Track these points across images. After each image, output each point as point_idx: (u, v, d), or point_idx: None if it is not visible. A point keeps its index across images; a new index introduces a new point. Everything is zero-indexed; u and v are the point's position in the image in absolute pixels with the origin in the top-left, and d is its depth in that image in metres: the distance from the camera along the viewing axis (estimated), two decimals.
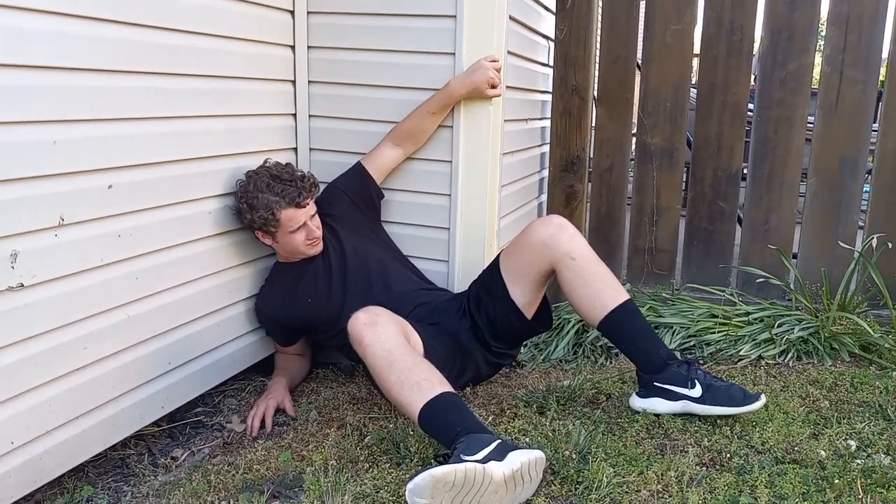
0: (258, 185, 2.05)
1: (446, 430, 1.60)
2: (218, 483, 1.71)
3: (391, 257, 2.31)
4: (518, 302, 2.05)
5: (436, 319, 2.12)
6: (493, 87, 2.18)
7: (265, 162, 2.15)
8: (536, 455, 1.54)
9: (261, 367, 2.46)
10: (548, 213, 3.02)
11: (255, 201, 2.04)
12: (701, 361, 2.38)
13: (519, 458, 1.50)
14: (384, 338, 1.73)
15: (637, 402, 1.94)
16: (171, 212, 1.92)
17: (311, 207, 2.14)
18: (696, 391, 1.86)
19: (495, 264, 2.09)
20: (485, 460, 1.47)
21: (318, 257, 2.22)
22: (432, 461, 1.53)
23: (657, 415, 1.90)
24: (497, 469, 1.46)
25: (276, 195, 2.04)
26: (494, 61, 2.18)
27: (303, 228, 2.12)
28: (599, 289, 1.94)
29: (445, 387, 1.68)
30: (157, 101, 1.83)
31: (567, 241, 1.95)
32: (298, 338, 2.34)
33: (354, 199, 2.30)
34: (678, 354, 2.03)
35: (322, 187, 2.31)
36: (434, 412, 1.63)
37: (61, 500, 1.73)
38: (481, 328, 2.10)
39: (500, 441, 1.53)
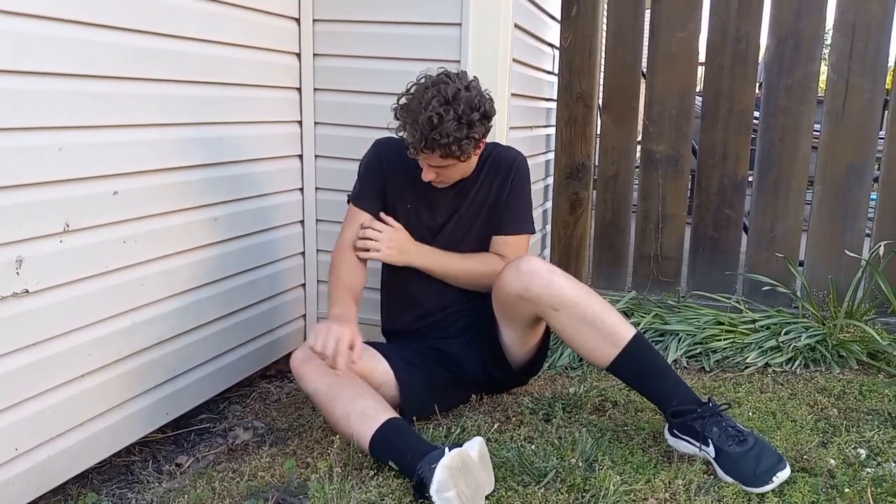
0: (420, 100, 1.77)
1: (398, 457, 1.64)
2: (222, 490, 1.70)
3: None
4: (509, 343, 1.97)
5: (443, 344, 2.04)
6: None
7: (467, 76, 1.83)
8: (479, 439, 1.60)
9: (265, 374, 2.46)
10: (553, 220, 3.02)
11: (404, 114, 1.81)
12: (707, 370, 2.37)
13: (475, 441, 1.58)
14: (322, 371, 1.74)
15: (669, 438, 1.78)
16: (177, 218, 1.92)
17: (435, 160, 1.82)
18: (711, 451, 1.66)
19: (488, 299, 1.96)
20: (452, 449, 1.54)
21: (438, 200, 1.98)
22: (413, 488, 1.59)
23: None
24: (471, 451, 1.54)
25: (408, 128, 1.79)
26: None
27: (426, 168, 1.88)
28: (595, 337, 1.75)
29: (389, 413, 1.71)
30: (162, 108, 1.84)
31: (545, 292, 1.75)
32: (381, 206, 2.00)
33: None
34: (699, 397, 1.78)
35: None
36: (383, 440, 1.67)
37: None
38: (488, 360, 2.03)
39: (451, 445, 1.57)
